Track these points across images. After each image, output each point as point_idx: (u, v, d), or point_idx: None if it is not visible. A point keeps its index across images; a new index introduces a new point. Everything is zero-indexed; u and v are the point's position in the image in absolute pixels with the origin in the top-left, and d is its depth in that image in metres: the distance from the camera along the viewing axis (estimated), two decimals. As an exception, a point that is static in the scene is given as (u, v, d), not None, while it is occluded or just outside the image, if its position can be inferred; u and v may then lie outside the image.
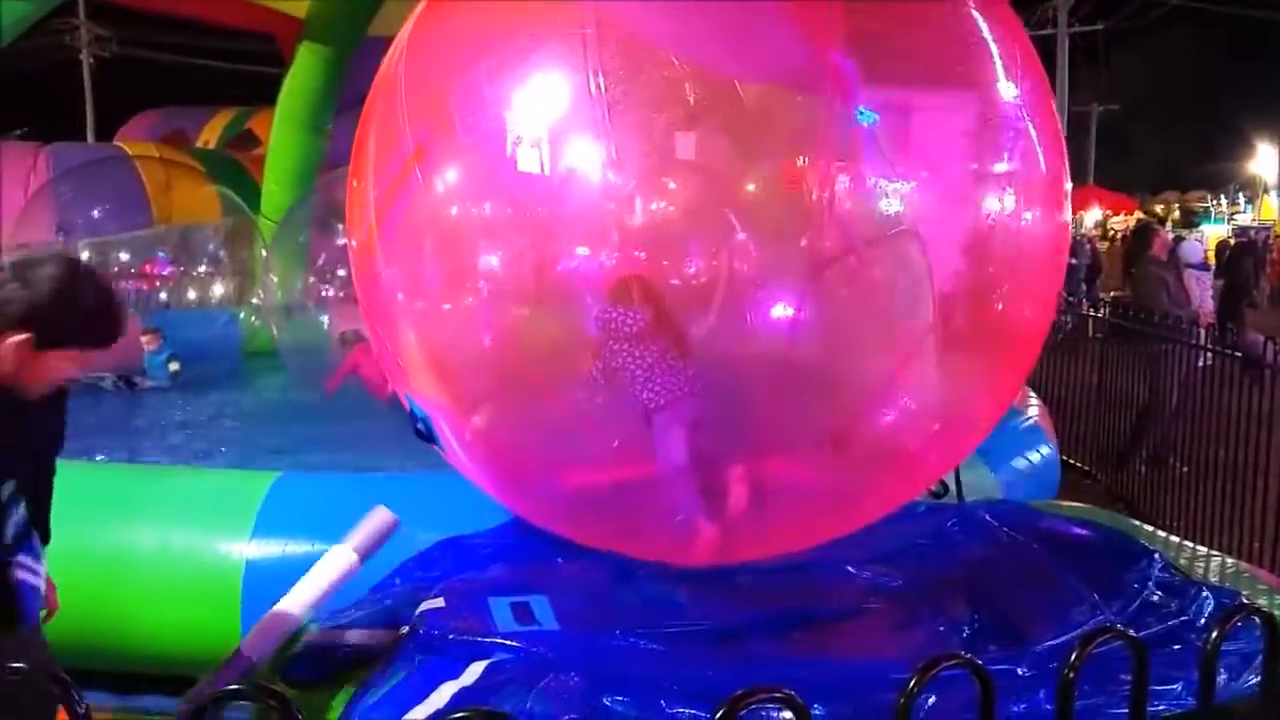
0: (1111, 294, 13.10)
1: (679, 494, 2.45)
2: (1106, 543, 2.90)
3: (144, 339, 7.31)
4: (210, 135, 14.33)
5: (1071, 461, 6.41)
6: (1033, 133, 2.33)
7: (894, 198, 2.23)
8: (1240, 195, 30.95)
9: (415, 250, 2.53)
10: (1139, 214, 25.17)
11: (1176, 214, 26.81)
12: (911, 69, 2.29)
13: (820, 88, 2.24)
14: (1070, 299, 14.37)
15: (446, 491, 3.41)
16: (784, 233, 2.27)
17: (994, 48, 2.33)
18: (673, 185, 2.33)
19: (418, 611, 2.42)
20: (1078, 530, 3.02)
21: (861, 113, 2.23)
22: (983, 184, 2.30)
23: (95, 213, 8.38)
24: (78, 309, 1.87)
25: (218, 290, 8.92)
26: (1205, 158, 32.41)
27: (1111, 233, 21.70)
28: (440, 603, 2.45)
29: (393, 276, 2.57)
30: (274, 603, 3.10)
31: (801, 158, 2.24)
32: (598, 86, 2.18)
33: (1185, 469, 5.34)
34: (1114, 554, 2.81)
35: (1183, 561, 2.88)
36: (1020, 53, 2.39)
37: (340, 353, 6.14)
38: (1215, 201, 29.61)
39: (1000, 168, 2.30)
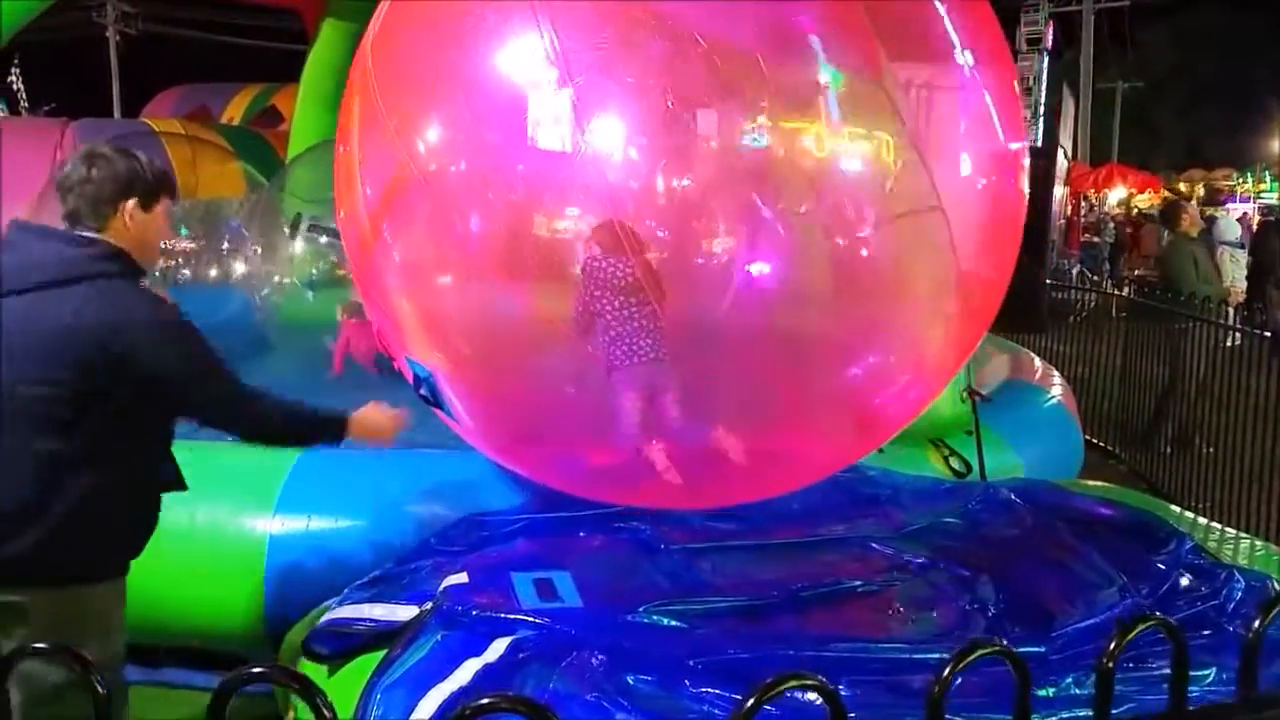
0: (1136, 272, 12.94)
1: (635, 450, 2.47)
2: (1134, 523, 2.87)
3: None
4: (234, 112, 14.35)
5: (1095, 441, 6.35)
6: (990, 104, 2.43)
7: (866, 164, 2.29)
8: (1267, 173, 30.41)
9: (403, 214, 2.55)
10: (1165, 192, 24.76)
11: (1201, 192, 26.37)
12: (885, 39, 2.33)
13: (794, 49, 2.28)
14: (1094, 277, 14.26)
15: (470, 468, 3.43)
16: (773, 198, 2.30)
17: (949, 21, 2.38)
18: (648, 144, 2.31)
19: (441, 587, 2.43)
20: (1104, 510, 2.99)
21: (833, 75, 2.27)
22: (946, 151, 2.40)
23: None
24: (150, 165, 2.09)
25: (239, 267, 8.94)
26: (1230, 135, 31.83)
27: (1135, 211, 21.37)
28: (464, 578, 2.46)
29: (382, 242, 2.60)
30: (297, 579, 3.14)
31: (764, 117, 2.25)
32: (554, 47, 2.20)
33: (1210, 450, 5.28)
34: (1142, 535, 2.78)
35: (1211, 543, 2.85)
36: (979, 28, 2.46)
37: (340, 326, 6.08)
38: (1241, 179, 29.12)
39: (959, 135, 2.43)
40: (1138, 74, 32.77)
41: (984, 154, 2.47)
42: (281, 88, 13.53)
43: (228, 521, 3.24)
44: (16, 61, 26.98)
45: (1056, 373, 5.55)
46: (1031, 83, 17.27)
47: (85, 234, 1.99)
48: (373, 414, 2.41)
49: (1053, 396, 4.91)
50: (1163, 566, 2.51)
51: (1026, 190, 2.65)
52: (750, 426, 2.44)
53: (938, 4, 2.41)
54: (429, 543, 2.99)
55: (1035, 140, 16.49)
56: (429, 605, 2.39)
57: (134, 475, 2.07)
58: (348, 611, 2.53)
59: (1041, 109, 17.14)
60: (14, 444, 1.90)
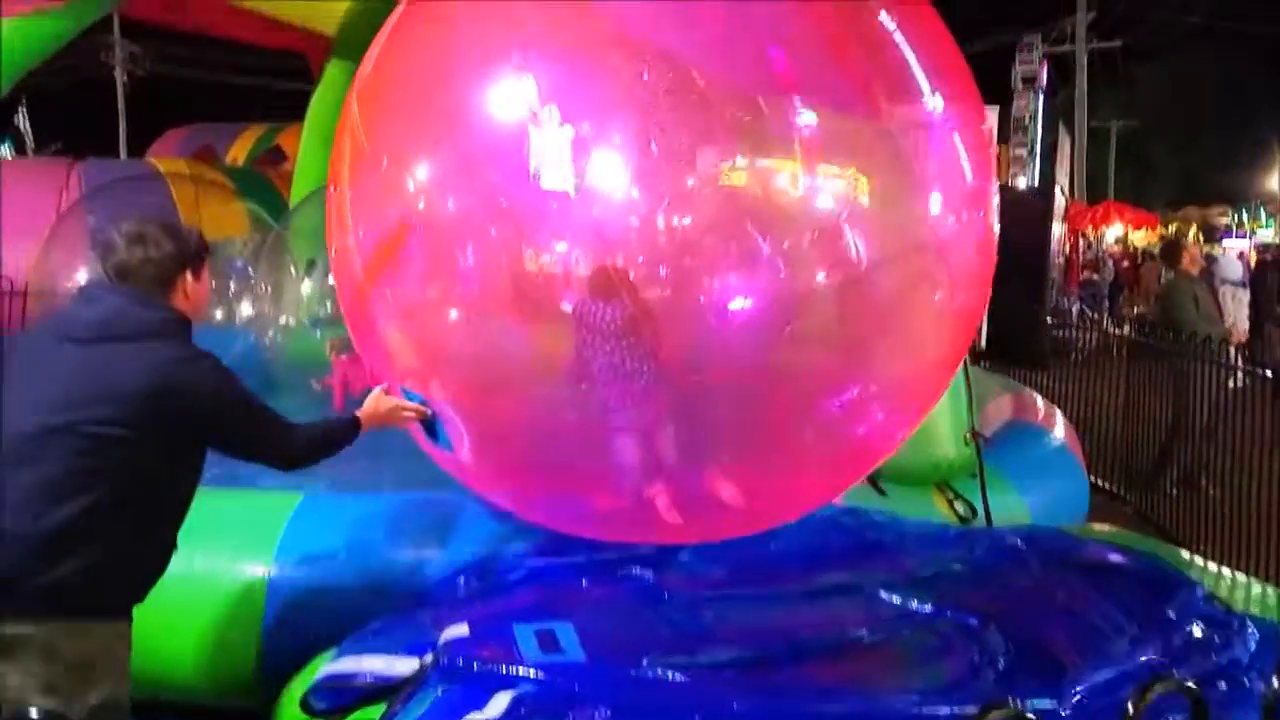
0: (1136, 310, 12.97)
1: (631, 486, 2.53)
2: (1145, 571, 2.83)
3: None
4: (239, 151, 14.48)
5: (1100, 483, 6.31)
6: (961, 143, 2.54)
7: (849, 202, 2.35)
8: (1261, 210, 30.64)
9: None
10: (1160, 229, 24.92)
11: (1197, 228, 26.56)
12: (856, 85, 2.45)
13: (763, 89, 2.33)
14: (1094, 315, 14.29)
15: (473, 514, 3.40)
16: (766, 236, 2.31)
17: (921, 67, 2.47)
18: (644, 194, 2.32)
19: (441, 639, 2.39)
20: (1114, 557, 2.96)
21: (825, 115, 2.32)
22: (920, 190, 2.50)
23: (126, 228, 8.49)
24: (191, 235, 2.34)
25: (245, 308, 8.95)
26: (1225, 172, 32.15)
27: (1134, 249, 21.48)
28: (464, 630, 2.42)
29: (373, 281, 2.64)
30: (294, 627, 3.09)
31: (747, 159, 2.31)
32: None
33: (1215, 491, 5.24)
34: (1152, 583, 2.75)
35: (1222, 590, 2.81)
36: (949, 73, 2.56)
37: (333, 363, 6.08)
38: (1236, 216, 29.33)
39: (932, 173, 2.53)
40: (1132, 113, 33.19)
41: (963, 191, 2.56)
42: (285, 127, 13.66)
43: (225, 569, 3.20)
44: (24, 102, 27.27)
45: (1059, 413, 5.52)
46: (1028, 121, 17.47)
47: (156, 300, 2.23)
48: (377, 405, 2.61)
49: (1057, 437, 4.89)
50: (1175, 616, 2.47)
51: (996, 226, 2.74)
52: (743, 462, 2.50)
53: (909, 48, 2.48)
54: (429, 591, 2.96)
55: (1033, 179, 16.66)
56: (429, 657, 2.35)
57: (161, 519, 2.24)
58: (346, 664, 2.48)
59: (1038, 147, 17.31)
60: (65, 478, 2.03)
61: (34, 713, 1.93)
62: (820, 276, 2.35)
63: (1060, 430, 5.04)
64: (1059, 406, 5.97)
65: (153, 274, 2.22)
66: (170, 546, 2.27)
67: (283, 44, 8.30)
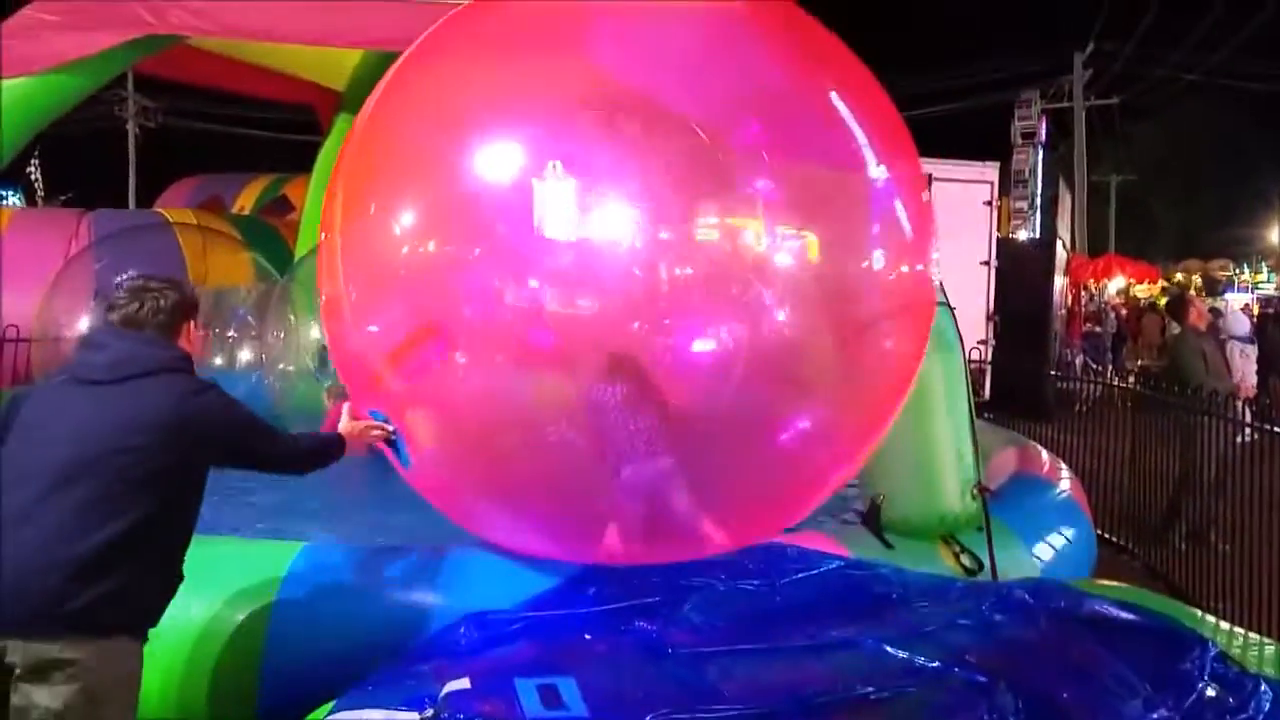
0: (1139, 363, 12.96)
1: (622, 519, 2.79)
2: (1155, 628, 2.79)
3: None
4: (246, 201, 14.65)
5: (1107, 536, 6.25)
6: (900, 208, 2.81)
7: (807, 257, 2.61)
8: (1263, 263, 30.81)
9: (382, 306, 2.78)
10: (1162, 282, 25.02)
11: (1198, 281, 26.66)
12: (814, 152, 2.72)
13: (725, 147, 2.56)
14: (1097, 367, 14.27)
15: (474, 565, 3.37)
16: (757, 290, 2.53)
17: (870, 139, 2.74)
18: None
19: (442, 693, 2.35)
20: (1124, 614, 2.91)
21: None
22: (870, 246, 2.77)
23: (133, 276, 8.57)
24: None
25: (245, 354, 8.98)
26: (1226, 225, 32.43)
27: (1135, 300, 21.56)
28: (465, 684, 2.38)
29: (362, 332, 2.87)
30: (293, 676, 3.05)
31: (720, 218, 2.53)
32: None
33: (1226, 546, 5.17)
34: (1164, 641, 2.70)
35: (1234, 649, 2.76)
36: (893, 140, 2.85)
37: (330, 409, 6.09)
38: (1238, 270, 29.49)
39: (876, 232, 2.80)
40: (1131, 167, 33.59)
41: (903, 247, 2.85)
42: (292, 178, 13.84)
43: (226, 616, 3.16)
44: (37, 153, 27.71)
45: (1064, 465, 5.49)
46: (1027, 175, 17.67)
47: (164, 340, 2.42)
48: (350, 425, 2.85)
49: (1063, 490, 4.86)
50: (1187, 676, 2.43)
51: (936, 278, 3.03)
52: (701, 495, 2.77)
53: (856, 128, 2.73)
54: (430, 642, 2.91)
55: (1034, 231, 16.79)
56: (429, 712, 2.31)
57: (177, 544, 2.39)
58: (345, 717, 2.44)
59: (1039, 200, 17.47)
60: (98, 504, 2.18)
61: None
62: (775, 325, 2.57)
63: (1066, 483, 5.01)
64: (1064, 458, 5.94)
65: (164, 322, 2.42)
66: (181, 572, 2.41)
67: (293, 98, 8.48)
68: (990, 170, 11.31)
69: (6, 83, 4.46)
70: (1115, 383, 8.01)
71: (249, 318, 8.94)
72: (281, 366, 8.27)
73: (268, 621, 3.14)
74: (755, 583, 3.12)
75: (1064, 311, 14.51)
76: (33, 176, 28.49)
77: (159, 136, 30.15)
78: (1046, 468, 5.27)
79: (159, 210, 12.12)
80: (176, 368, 2.40)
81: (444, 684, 2.42)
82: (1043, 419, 8.47)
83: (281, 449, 2.61)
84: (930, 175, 11.18)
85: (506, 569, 3.22)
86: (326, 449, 2.76)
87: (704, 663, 2.64)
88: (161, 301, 2.42)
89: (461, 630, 2.94)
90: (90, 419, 2.24)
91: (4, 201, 25.25)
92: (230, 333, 8.99)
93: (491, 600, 3.11)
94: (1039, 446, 5.87)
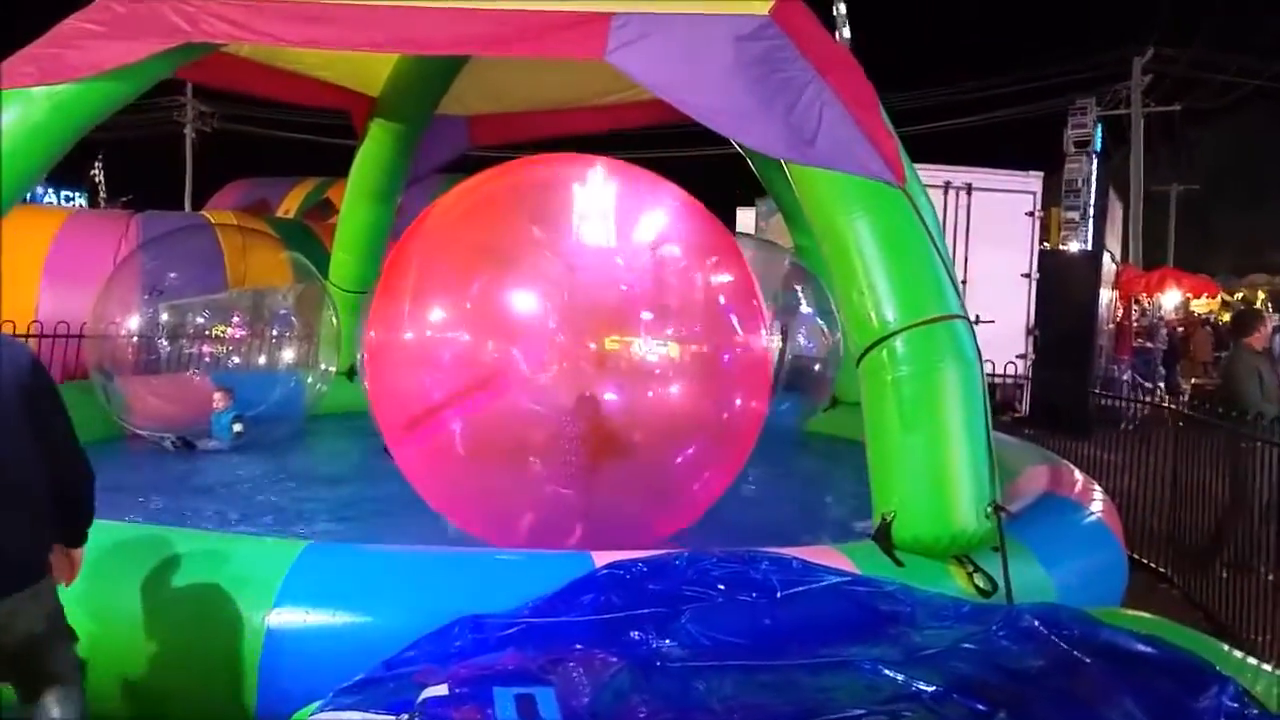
0: (1192, 381, 12.52)
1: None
2: (1173, 663, 2.64)
3: (215, 395, 7.53)
4: (291, 204, 14.95)
5: (1143, 560, 6.02)
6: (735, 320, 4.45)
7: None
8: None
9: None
10: (1222, 296, 24.15)
11: (1262, 296, 25.64)
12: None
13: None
14: (1147, 384, 13.82)
15: (475, 568, 3.35)
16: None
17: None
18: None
19: (419, 698, 2.33)
20: (1140, 646, 2.77)
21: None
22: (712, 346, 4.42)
23: (175, 276, 8.75)
24: None
25: (287, 354, 9.11)
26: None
27: (1193, 316, 20.83)
28: (444, 690, 2.35)
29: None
30: (291, 674, 3.06)
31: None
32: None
33: (1272, 576, 4.94)
34: (1180, 677, 2.56)
35: (1259, 688, 2.62)
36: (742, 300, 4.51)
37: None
38: (1305, 285, 28.33)
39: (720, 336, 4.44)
40: (1193, 176, 32.52)
41: (738, 344, 4.44)
42: (336, 181, 14.11)
43: (226, 614, 3.18)
44: (100, 156, 28.69)
45: (1098, 486, 5.28)
46: (1080, 184, 17.24)
47: None
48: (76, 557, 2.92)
49: (1092, 512, 4.68)
50: (1200, 715, 2.29)
51: (772, 353, 4.72)
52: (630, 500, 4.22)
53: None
54: (421, 643, 2.89)
55: (1085, 242, 16.37)
56: (405, 718, 2.29)
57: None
58: (325, 718, 2.43)
59: (1091, 211, 17.03)
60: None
61: None
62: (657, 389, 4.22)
63: (1097, 505, 4.82)
64: (1104, 476, 5.72)
65: None
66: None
67: (328, 103, 8.63)
68: (1034, 180, 11.06)
69: (52, 90, 4.59)
70: (1156, 401, 7.71)
71: (290, 318, 9.08)
72: (323, 367, 8.42)
73: (268, 622, 3.15)
74: (754, 595, 3.05)
75: (1112, 326, 14.10)
76: (96, 179, 29.46)
77: (215, 140, 31.04)
78: (1078, 488, 5.08)
79: (203, 213, 12.42)
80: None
81: (425, 687, 2.39)
82: (1083, 436, 8.22)
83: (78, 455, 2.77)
84: (969, 185, 11.04)
85: (506, 569, 3.20)
86: (88, 513, 2.83)
87: (692, 678, 2.58)
88: None
89: (455, 632, 2.92)
90: None
91: (70, 203, 26.16)
92: (272, 333, 9.14)
93: (491, 603, 3.09)
94: (1072, 466, 5.67)
